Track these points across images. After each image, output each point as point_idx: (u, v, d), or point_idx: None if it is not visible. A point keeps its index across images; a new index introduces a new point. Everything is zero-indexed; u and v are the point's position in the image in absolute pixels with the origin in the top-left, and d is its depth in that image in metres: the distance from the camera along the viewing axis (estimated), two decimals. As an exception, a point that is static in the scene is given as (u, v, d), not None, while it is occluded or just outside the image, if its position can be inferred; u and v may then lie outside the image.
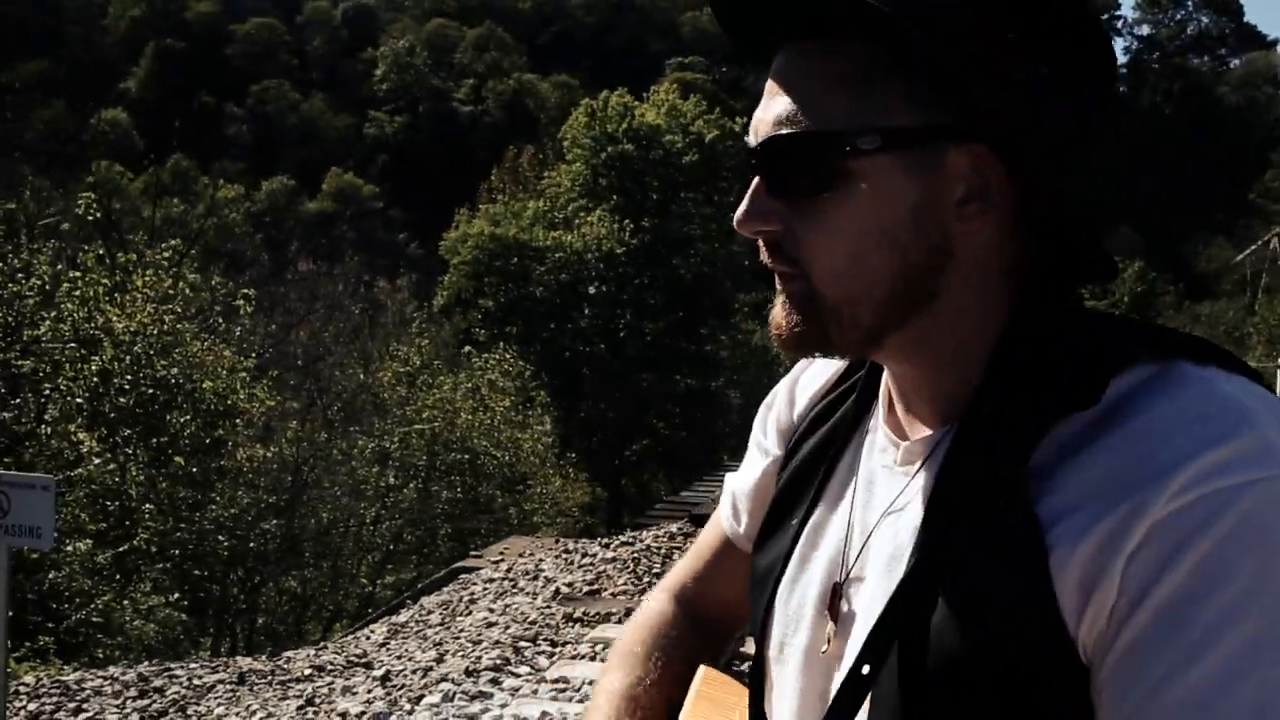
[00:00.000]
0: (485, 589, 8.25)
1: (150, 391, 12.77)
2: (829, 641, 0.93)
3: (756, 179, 0.87)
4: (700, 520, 9.82)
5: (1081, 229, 0.85)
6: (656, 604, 1.23)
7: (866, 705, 0.83)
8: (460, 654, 6.38)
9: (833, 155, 0.83)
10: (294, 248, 48.97)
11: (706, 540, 1.25)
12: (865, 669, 0.84)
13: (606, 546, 9.25)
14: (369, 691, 6.03)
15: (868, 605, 0.88)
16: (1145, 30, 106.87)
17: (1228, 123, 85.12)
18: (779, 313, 0.89)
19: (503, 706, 5.30)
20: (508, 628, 6.83)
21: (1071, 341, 0.83)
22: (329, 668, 6.85)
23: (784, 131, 0.85)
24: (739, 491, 1.18)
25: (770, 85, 0.88)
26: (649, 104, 34.81)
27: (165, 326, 13.13)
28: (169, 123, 62.74)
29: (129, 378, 12.56)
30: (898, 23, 0.79)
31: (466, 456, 21.07)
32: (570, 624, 6.86)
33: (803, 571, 0.98)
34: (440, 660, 6.35)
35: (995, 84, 0.80)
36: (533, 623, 6.88)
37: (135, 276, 13.65)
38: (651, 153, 33.72)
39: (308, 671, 6.78)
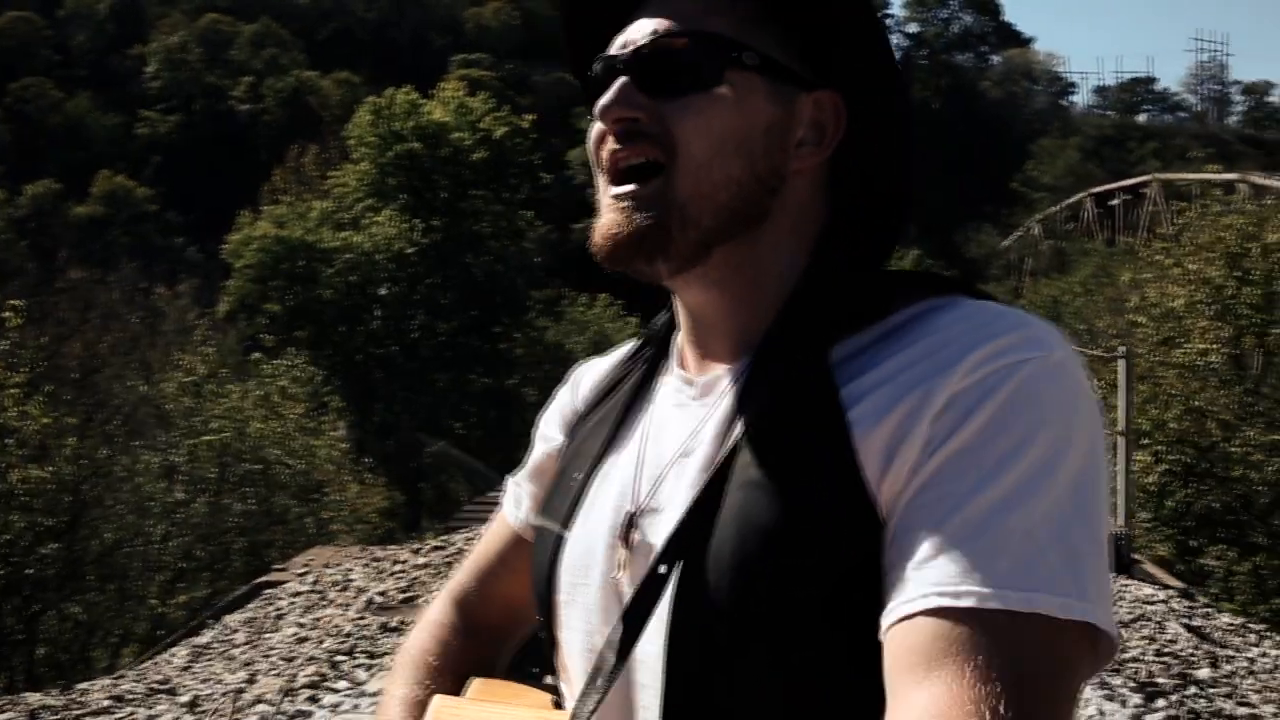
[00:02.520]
0: (292, 603, 7.96)
1: (-90, 413, 11.84)
2: (621, 568, 0.95)
3: (623, 79, 0.95)
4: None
5: (892, 188, 1.00)
6: (438, 610, 1.21)
7: (669, 606, 0.87)
8: (273, 673, 6.12)
9: (716, 59, 0.93)
10: (63, 255, 46.30)
11: (489, 539, 1.24)
12: (662, 569, 0.88)
13: (417, 553, 9.06)
14: (175, 719, 5.73)
15: (668, 525, 0.91)
16: (914, 28, 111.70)
17: (991, 116, 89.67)
18: (615, 217, 0.94)
19: (324, 725, 5.11)
20: (322, 642, 6.60)
21: (863, 281, 0.96)
22: (129, 697, 6.48)
23: (675, 32, 0.95)
24: (520, 480, 1.22)
25: (648, 8, 0.98)
26: (436, 101, 34.36)
27: (-76, 342, 12.21)
28: (-84, 124, 58.71)
29: (-115, 399, 11.63)
30: None
31: (259, 466, 20.38)
32: (387, 634, 6.68)
33: (591, 513, 1.01)
34: (252, 681, 6.08)
35: (855, 42, 0.97)
36: (348, 635, 6.67)
37: (-112, 289, 12.65)
38: (440, 151, 33.31)
39: (105, 703, 6.39)
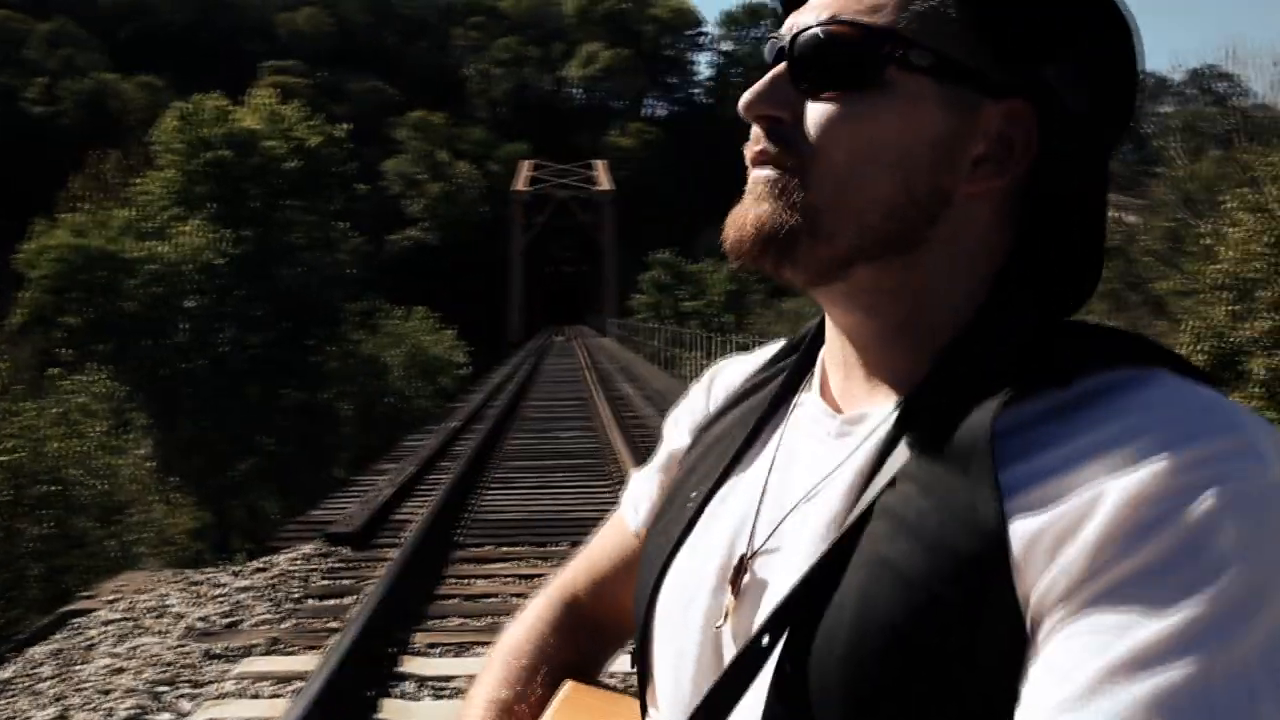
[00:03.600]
0: (104, 632, 7.52)
1: None
2: (727, 616, 0.85)
3: (776, 70, 0.84)
4: (338, 539, 9.41)
5: (1089, 221, 0.83)
6: (542, 606, 1.14)
7: (767, 685, 0.76)
8: (88, 707, 5.75)
9: (882, 56, 0.80)
10: None
11: (605, 537, 1.17)
12: (765, 640, 0.77)
13: (238, 575, 8.68)
14: (-21, 761, 5.34)
15: (780, 577, 0.81)
16: (728, 46, 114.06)
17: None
18: (745, 203, 0.84)
19: (148, 761, 4.82)
20: (140, 672, 6.23)
21: (1045, 336, 0.79)
22: (-77, 739, 6.02)
23: (835, 21, 0.82)
24: (639, 480, 1.13)
25: None
26: (247, 108, 33.37)
27: None
28: None
29: None
30: None
31: (57, 488, 19.44)
32: (211, 661, 6.36)
33: (702, 543, 0.91)
34: (64, 717, 5.70)
35: (1059, 45, 0.80)
36: (169, 664, 6.32)
37: None
38: (251, 159, 32.34)
39: (-103, 746, 5.93)
